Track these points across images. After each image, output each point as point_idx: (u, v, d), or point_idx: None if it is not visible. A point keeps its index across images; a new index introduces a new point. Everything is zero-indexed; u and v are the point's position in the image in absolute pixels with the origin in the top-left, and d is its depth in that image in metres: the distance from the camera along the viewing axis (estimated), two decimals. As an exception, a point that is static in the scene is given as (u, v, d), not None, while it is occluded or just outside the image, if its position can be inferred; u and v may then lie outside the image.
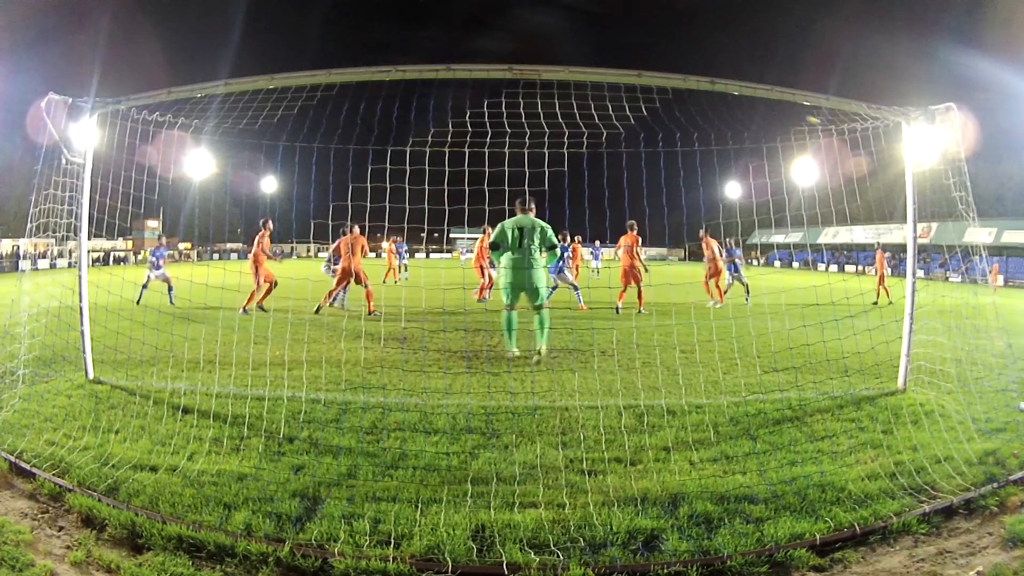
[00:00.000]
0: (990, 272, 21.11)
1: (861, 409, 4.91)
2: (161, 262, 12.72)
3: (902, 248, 38.57)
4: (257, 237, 11.17)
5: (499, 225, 6.73)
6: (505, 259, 6.66)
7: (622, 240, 11.60)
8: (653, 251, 57.03)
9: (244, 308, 10.60)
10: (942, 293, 6.20)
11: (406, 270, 22.10)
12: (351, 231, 10.61)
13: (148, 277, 12.25)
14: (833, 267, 47.32)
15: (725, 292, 13.76)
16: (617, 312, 11.23)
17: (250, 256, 11.23)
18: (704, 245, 13.52)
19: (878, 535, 2.95)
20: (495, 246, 6.76)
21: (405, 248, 23.92)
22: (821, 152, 5.92)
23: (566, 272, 12.96)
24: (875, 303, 13.82)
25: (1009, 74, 29.09)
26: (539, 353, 6.39)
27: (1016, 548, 2.83)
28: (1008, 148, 36.10)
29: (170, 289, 12.30)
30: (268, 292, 11.01)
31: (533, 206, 6.76)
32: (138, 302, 10.61)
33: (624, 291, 11.66)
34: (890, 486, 3.40)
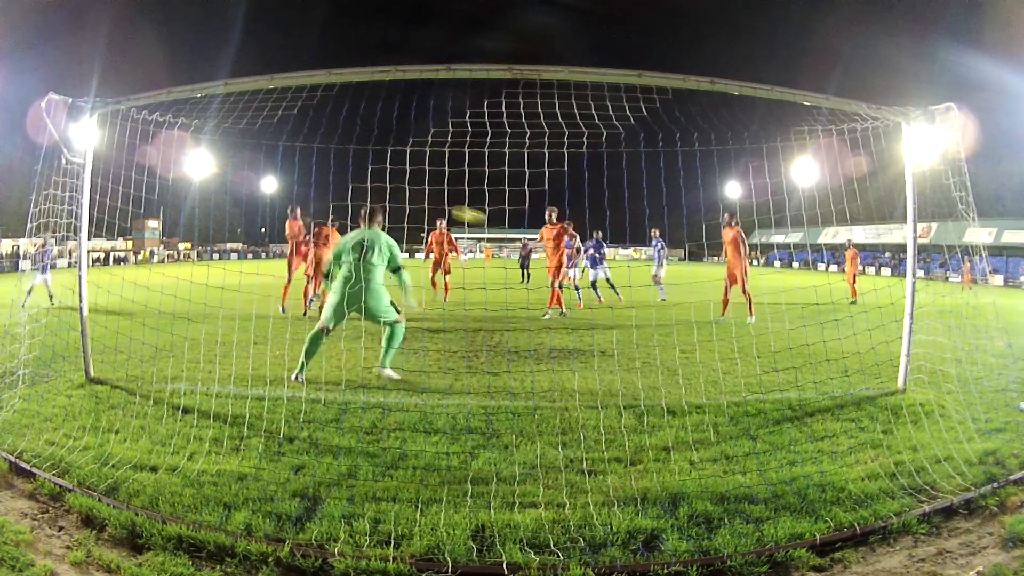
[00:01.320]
0: (962, 270, 21.54)
1: (861, 409, 4.91)
2: (47, 262, 12.19)
3: (902, 248, 38.59)
4: (320, 232, 10.49)
5: (341, 240, 5.91)
6: (340, 275, 5.78)
7: (553, 232, 10.41)
8: (654, 251, 56.95)
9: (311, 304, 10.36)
10: (942, 293, 6.20)
11: None
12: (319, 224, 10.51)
13: (33, 284, 11.69)
14: (833, 267, 47.34)
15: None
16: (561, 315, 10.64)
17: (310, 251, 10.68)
18: (731, 239, 10.23)
19: (878, 535, 2.95)
20: (337, 257, 5.86)
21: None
22: (821, 152, 5.92)
23: (599, 269, 12.67)
24: (853, 301, 13.81)
25: (1009, 74, 29.10)
26: (379, 376, 5.62)
27: (1016, 548, 2.83)
28: (1008, 148, 36.12)
29: (51, 296, 11.73)
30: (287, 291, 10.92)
31: (380, 218, 5.88)
32: (23, 305, 10.10)
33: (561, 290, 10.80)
34: (890, 486, 3.40)
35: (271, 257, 52.56)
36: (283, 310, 10.58)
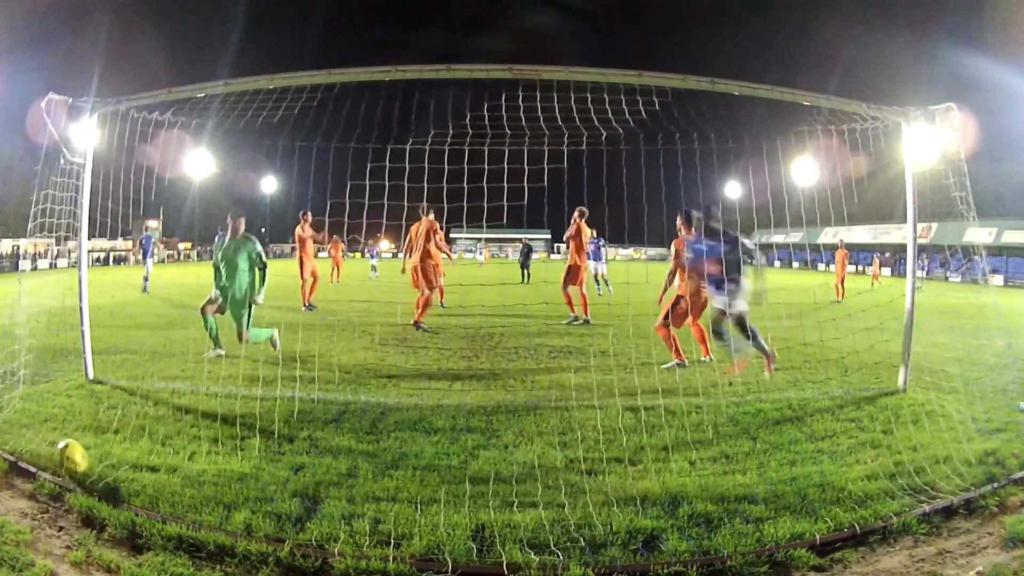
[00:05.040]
0: (873, 265, 22.33)
1: (861, 409, 4.91)
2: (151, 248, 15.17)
3: (902, 248, 38.56)
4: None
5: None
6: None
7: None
8: (653, 251, 56.97)
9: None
10: (942, 293, 6.20)
11: (375, 270, 22.47)
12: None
13: (148, 270, 14.19)
14: (833, 267, 47.25)
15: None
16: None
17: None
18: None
19: (878, 535, 2.95)
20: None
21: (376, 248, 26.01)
22: (821, 152, 5.92)
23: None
24: (837, 302, 13.80)
25: (1009, 74, 29.08)
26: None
27: (1016, 548, 2.83)
28: (1008, 148, 36.01)
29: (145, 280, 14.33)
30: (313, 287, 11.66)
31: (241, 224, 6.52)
32: (145, 291, 12.91)
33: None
34: (890, 486, 3.40)
35: (270, 257, 52.45)
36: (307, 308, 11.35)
